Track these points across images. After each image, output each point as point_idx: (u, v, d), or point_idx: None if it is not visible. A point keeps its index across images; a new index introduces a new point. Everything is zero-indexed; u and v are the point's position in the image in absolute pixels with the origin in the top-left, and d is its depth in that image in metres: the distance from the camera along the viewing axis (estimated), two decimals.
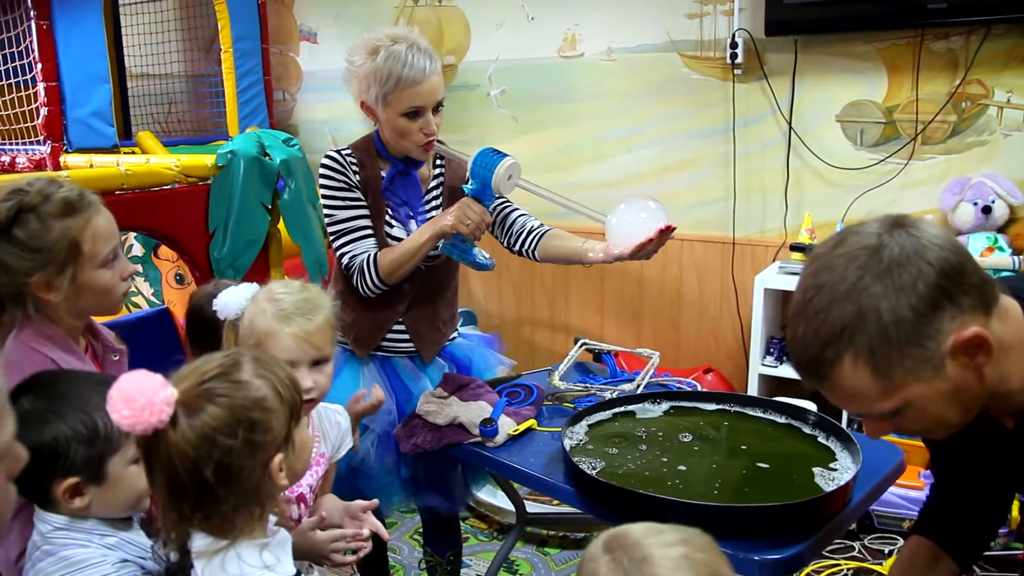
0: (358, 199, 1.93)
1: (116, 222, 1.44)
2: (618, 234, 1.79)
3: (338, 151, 1.94)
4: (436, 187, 2.00)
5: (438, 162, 2.02)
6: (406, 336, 2.00)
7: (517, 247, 2.00)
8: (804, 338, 1.04)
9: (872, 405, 1.04)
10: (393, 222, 1.94)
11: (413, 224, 1.94)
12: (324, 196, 1.93)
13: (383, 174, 1.95)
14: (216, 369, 1.05)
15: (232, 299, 1.43)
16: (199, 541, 1.05)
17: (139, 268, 4.06)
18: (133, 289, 4.09)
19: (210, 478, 1.00)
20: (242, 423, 1.02)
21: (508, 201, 2.03)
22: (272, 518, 1.12)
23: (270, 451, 1.05)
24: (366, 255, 1.89)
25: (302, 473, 1.15)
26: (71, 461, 1.13)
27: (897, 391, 1.02)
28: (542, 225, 2.00)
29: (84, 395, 1.17)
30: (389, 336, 2.00)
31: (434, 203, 1.99)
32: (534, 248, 1.97)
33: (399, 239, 1.91)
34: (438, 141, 1.91)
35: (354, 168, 1.92)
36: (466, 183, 1.85)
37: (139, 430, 0.97)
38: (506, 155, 1.80)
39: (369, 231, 1.93)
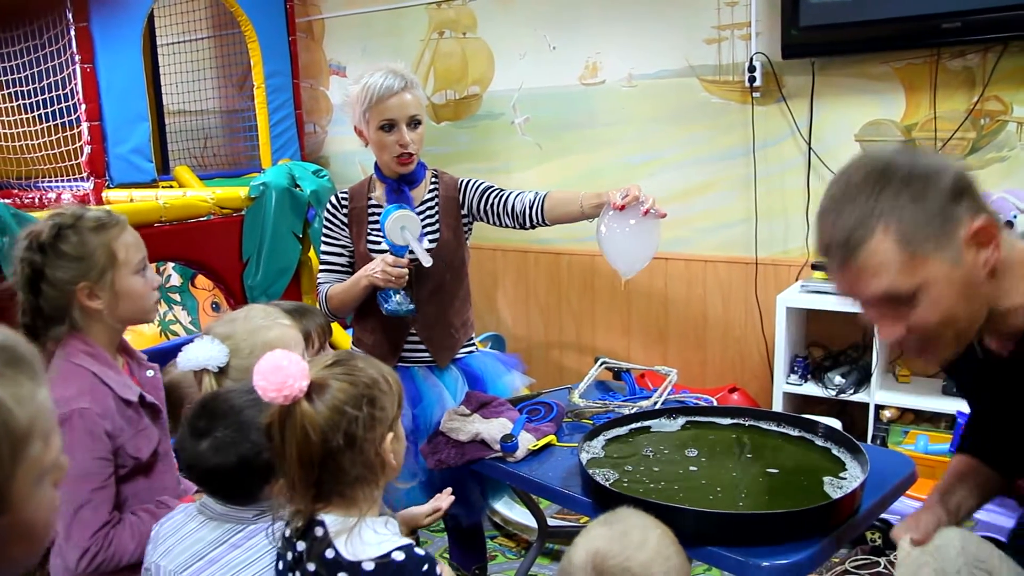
0: (338, 238, 2.17)
1: (152, 251, 1.59)
2: (615, 249, 1.90)
3: (336, 195, 2.17)
4: (431, 199, 2.14)
5: (432, 183, 2.15)
6: (423, 346, 2.13)
7: (528, 224, 2.10)
8: (838, 222, 1.13)
9: (893, 280, 1.11)
10: (380, 237, 2.06)
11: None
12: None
13: (380, 194, 2.12)
14: (333, 359, 1.21)
15: (197, 353, 1.50)
16: (332, 521, 1.17)
17: (177, 296, 4.19)
18: (172, 317, 4.22)
19: (338, 446, 1.14)
20: (364, 397, 1.18)
21: (500, 188, 2.13)
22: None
23: (384, 427, 1.19)
24: (326, 287, 2.14)
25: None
26: (269, 468, 1.26)
27: (919, 267, 1.10)
28: (536, 193, 2.10)
29: (251, 416, 1.29)
30: (407, 348, 2.13)
31: (427, 212, 2.12)
32: (541, 215, 2.07)
33: (386, 251, 2.04)
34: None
35: (344, 204, 2.14)
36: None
37: (282, 398, 1.12)
38: (397, 207, 1.97)
39: (335, 267, 2.17)
